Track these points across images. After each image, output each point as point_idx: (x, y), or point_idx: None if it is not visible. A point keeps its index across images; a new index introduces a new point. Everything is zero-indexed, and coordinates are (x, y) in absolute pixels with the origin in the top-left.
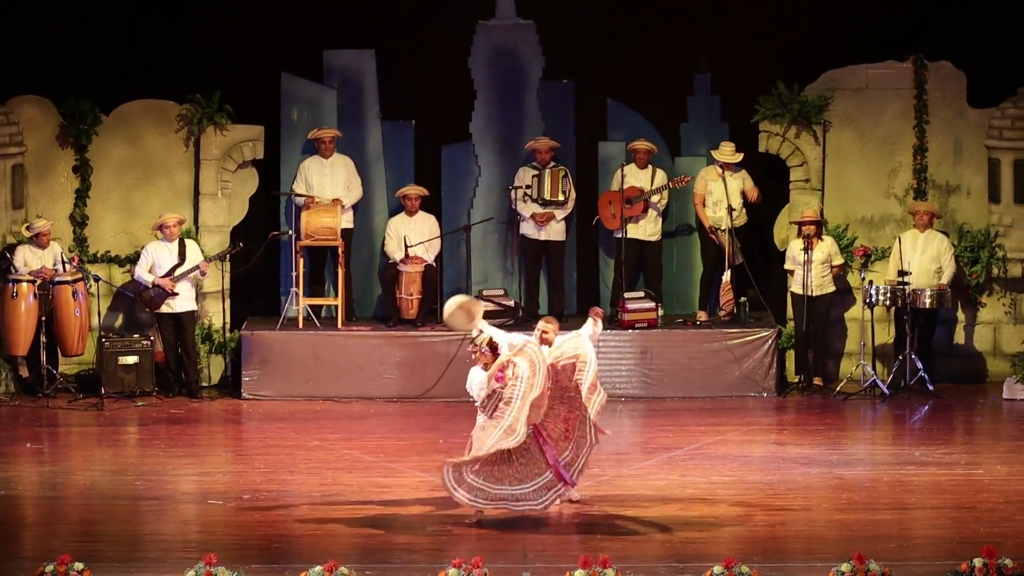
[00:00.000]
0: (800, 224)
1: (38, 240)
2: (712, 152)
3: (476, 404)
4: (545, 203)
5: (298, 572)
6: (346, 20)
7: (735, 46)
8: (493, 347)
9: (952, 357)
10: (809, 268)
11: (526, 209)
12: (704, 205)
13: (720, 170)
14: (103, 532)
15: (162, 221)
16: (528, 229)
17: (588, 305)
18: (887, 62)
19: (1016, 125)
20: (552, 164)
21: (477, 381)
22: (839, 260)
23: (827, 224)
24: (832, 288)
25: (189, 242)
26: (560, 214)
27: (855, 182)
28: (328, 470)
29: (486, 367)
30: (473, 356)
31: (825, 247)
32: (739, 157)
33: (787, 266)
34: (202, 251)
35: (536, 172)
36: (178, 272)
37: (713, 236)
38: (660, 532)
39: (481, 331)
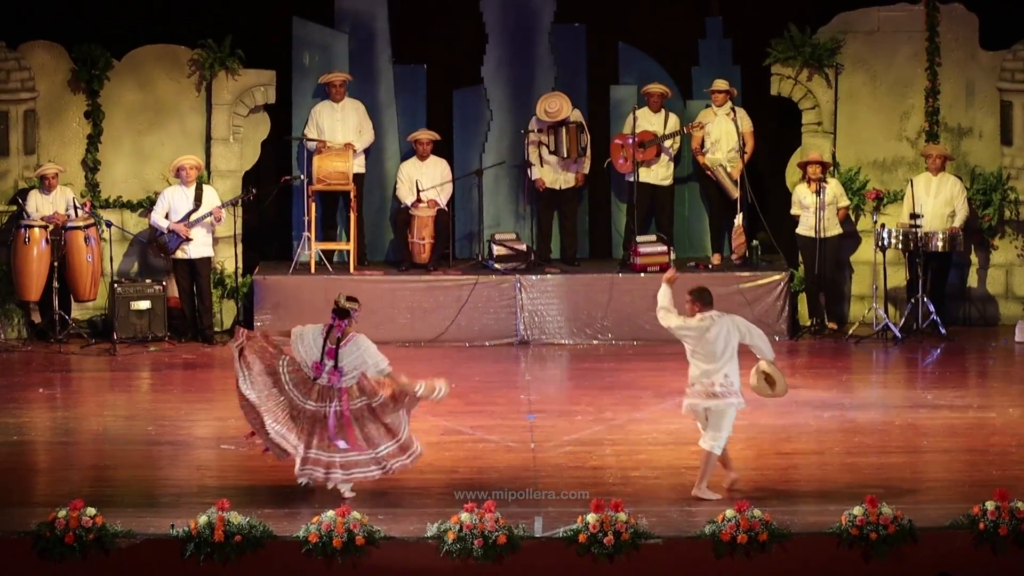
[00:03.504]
0: (806, 166)
1: (45, 184)
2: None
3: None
4: (564, 160)
5: (311, 517)
6: None
7: None
8: None
9: (964, 300)
10: (821, 211)
11: (543, 172)
12: (702, 146)
13: (718, 110)
14: (116, 477)
15: (179, 163)
16: (540, 175)
17: (600, 249)
18: (899, 4)
19: None
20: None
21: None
22: (844, 202)
23: (839, 167)
24: (839, 230)
25: (207, 188)
26: (577, 168)
27: (867, 125)
28: None
29: None
30: None
31: (831, 189)
32: (723, 85)
33: (793, 211)
34: (219, 197)
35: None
36: (193, 217)
37: (710, 173)
38: (672, 476)
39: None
